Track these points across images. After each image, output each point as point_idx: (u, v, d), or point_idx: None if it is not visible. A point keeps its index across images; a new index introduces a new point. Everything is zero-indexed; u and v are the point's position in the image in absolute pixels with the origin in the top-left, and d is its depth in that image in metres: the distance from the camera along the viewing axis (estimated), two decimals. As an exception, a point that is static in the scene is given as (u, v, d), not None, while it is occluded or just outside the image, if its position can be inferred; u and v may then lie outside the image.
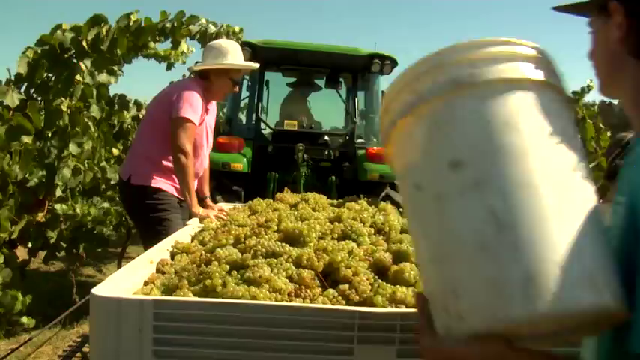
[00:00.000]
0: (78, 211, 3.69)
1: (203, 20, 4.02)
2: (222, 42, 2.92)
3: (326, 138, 5.20)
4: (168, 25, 3.62)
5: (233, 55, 2.82)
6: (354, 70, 4.92)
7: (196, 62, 3.16)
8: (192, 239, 1.93)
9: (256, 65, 3.06)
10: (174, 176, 2.75)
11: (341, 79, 5.27)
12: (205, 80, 2.82)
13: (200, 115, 2.74)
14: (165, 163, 2.74)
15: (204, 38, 4.07)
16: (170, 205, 2.69)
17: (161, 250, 1.74)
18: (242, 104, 5.27)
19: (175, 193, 2.77)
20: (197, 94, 2.72)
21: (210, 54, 2.83)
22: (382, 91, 5.25)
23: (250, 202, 2.37)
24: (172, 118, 2.66)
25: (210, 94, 2.85)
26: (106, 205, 4.22)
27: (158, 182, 2.72)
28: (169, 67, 4.69)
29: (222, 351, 1.13)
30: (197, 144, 2.78)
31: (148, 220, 2.66)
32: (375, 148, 4.64)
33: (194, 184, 2.73)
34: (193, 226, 2.15)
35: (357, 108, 4.96)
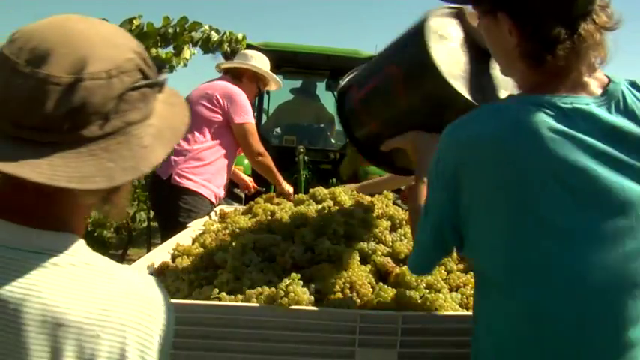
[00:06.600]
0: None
1: (206, 27, 4.01)
2: (257, 53, 3.10)
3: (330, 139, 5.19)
4: (171, 30, 3.62)
5: (265, 67, 2.99)
6: None
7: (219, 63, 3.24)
8: (194, 242, 1.92)
9: (281, 84, 3.23)
10: (217, 179, 2.79)
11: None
12: (236, 80, 2.92)
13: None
14: (211, 164, 2.76)
15: (207, 45, 4.07)
16: (203, 212, 2.54)
17: (162, 252, 1.74)
18: None
19: (213, 199, 2.76)
20: (244, 93, 2.85)
21: (245, 59, 2.99)
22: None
23: (251, 202, 2.35)
24: (236, 124, 2.77)
25: None
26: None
27: (199, 187, 2.70)
28: (171, 70, 4.68)
29: (223, 354, 1.13)
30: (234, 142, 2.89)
31: (176, 222, 2.49)
32: (375, 150, 4.63)
33: (276, 171, 2.94)
34: (194, 228, 2.14)
35: None
